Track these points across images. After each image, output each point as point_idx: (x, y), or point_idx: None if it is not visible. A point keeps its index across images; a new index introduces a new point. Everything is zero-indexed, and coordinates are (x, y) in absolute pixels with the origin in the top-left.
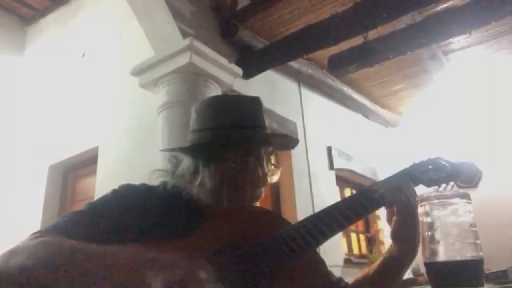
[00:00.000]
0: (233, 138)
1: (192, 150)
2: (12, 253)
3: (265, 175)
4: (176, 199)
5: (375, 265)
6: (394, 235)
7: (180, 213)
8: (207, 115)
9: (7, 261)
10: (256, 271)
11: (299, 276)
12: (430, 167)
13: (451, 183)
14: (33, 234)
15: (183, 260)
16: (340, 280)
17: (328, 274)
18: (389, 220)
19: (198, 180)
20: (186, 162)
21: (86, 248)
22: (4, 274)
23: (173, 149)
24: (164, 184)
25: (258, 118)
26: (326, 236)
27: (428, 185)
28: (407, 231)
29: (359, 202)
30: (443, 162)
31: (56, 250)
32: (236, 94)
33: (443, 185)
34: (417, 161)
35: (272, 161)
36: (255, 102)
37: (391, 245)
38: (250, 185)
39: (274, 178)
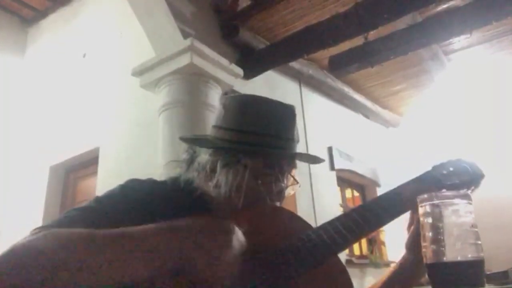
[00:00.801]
0: (261, 147)
1: (215, 145)
2: (15, 247)
3: (283, 191)
4: (187, 196)
5: (383, 277)
6: (410, 245)
7: (190, 211)
8: (236, 114)
9: (7, 255)
10: (281, 275)
11: (322, 282)
12: (452, 169)
13: (473, 187)
14: (36, 229)
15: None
16: None
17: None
18: (408, 228)
19: (214, 181)
20: (204, 157)
21: (106, 231)
22: (3, 267)
23: (195, 137)
24: (174, 179)
25: (291, 130)
26: (353, 237)
27: (451, 190)
28: None
29: (385, 207)
30: (465, 165)
31: (86, 236)
32: (272, 99)
33: (464, 190)
34: (437, 163)
35: (292, 174)
36: (291, 111)
37: (404, 255)
38: (268, 197)
39: (291, 193)
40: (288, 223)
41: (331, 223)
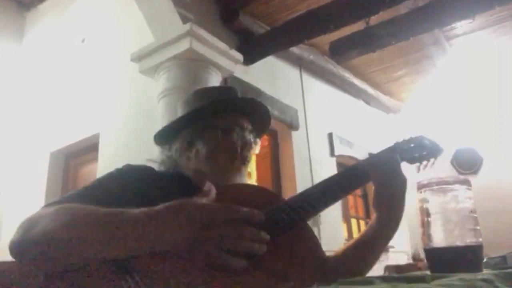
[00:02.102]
0: (220, 106)
1: (187, 122)
2: (31, 221)
3: (251, 140)
4: (177, 176)
5: (356, 238)
6: (375, 204)
7: (181, 190)
8: (193, 100)
9: (28, 230)
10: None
11: (294, 246)
12: (412, 145)
13: (432, 159)
14: (45, 206)
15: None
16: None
17: (319, 246)
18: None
19: (194, 151)
20: (179, 142)
21: (108, 209)
22: (25, 243)
23: (167, 126)
24: (166, 163)
25: (236, 93)
26: (316, 209)
27: (411, 162)
28: (387, 200)
29: (346, 177)
30: (425, 141)
31: (80, 211)
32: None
33: (424, 162)
34: (400, 140)
35: (249, 131)
36: (232, 88)
37: (373, 216)
38: (239, 147)
39: (257, 149)
40: (263, 198)
41: (299, 195)
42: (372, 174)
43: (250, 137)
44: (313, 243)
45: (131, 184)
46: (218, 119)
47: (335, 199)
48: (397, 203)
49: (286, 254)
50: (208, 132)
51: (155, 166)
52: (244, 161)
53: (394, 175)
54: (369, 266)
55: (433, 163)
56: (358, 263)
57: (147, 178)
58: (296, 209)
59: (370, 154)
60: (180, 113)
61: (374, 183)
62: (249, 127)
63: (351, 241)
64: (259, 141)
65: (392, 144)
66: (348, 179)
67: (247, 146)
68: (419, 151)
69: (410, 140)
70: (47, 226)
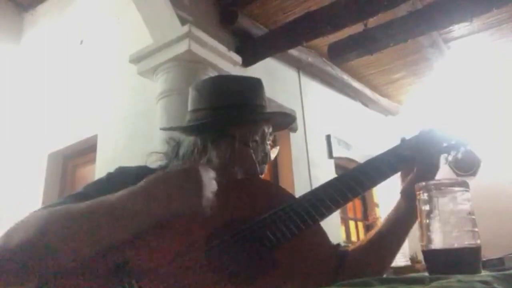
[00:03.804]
0: (242, 116)
1: (202, 127)
2: (16, 227)
3: (268, 153)
4: None
5: (378, 228)
6: (406, 191)
7: None
8: (211, 94)
9: (11, 236)
10: (260, 247)
11: (302, 248)
12: (440, 134)
13: (462, 148)
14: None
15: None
16: (338, 245)
17: (328, 242)
18: (404, 177)
19: (205, 159)
20: (191, 141)
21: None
22: (7, 250)
23: (177, 128)
24: (164, 167)
25: (262, 97)
26: (335, 205)
27: (441, 152)
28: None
29: (385, 161)
30: (451, 130)
31: (63, 212)
32: (238, 75)
33: (453, 152)
34: (426, 129)
35: (271, 137)
36: (258, 82)
37: (398, 203)
38: (257, 161)
39: (273, 156)
40: (274, 195)
41: (313, 192)
42: (416, 155)
43: (269, 146)
44: (325, 240)
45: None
46: (237, 128)
47: (350, 199)
48: None
49: (298, 253)
50: (224, 141)
51: (158, 158)
52: (261, 175)
53: (435, 160)
54: (393, 256)
55: (462, 154)
56: (383, 253)
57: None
58: (306, 212)
59: (403, 139)
60: (192, 102)
61: (415, 165)
62: (270, 130)
63: (373, 232)
64: (277, 149)
65: (419, 131)
66: (389, 164)
67: (266, 159)
68: (447, 140)
69: (437, 129)
70: (31, 232)
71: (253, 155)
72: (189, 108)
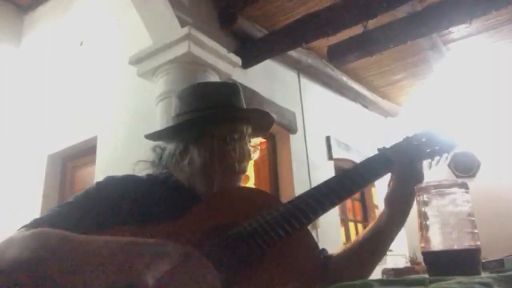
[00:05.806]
0: (220, 115)
1: (182, 127)
2: (4, 247)
3: (249, 150)
4: (163, 185)
5: (361, 235)
6: (389, 198)
7: (167, 198)
8: (192, 99)
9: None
10: (248, 251)
11: (290, 252)
12: (424, 139)
13: (445, 155)
14: (21, 228)
15: (175, 247)
16: (322, 250)
17: (316, 246)
18: (389, 184)
19: (187, 159)
20: (173, 145)
21: (75, 237)
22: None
23: (160, 132)
24: (151, 175)
25: (240, 100)
26: (326, 205)
27: (422, 159)
28: (402, 196)
29: (368, 168)
30: (438, 135)
31: (45, 240)
32: (216, 81)
33: (437, 158)
34: (410, 135)
35: (251, 141)
36: (235, 86)
37: (382, 210)
38: (237, 158)
39: (255, 156)
40: (258, 201)
41: (305, 194)
42: (395, 163)
43: (249, 145)
44: (312, 244)
45: (112, 200)
46: (215, 127)
47: (350, 194)
48: (411, 198)
49: (286, 257)
50: (204, 140)
51: (145, 167)
52: (242, 173)
53: (416, 167)
54: (374, 264)
55: (446, 159)
56: (363, 260)
57: (130, 190)
58: (293, 216)
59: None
60: (174, 108)
61: (394, 173)
62: (249, 130)
63: (356, 239)
64: (257, 150)
65: (402, 138)
66: (369, 169)
67: (246, 156)
68: (431, 146)
69: (422, 134)
70: (18, 255)
71: (232, 152)
72: (172, 115)
